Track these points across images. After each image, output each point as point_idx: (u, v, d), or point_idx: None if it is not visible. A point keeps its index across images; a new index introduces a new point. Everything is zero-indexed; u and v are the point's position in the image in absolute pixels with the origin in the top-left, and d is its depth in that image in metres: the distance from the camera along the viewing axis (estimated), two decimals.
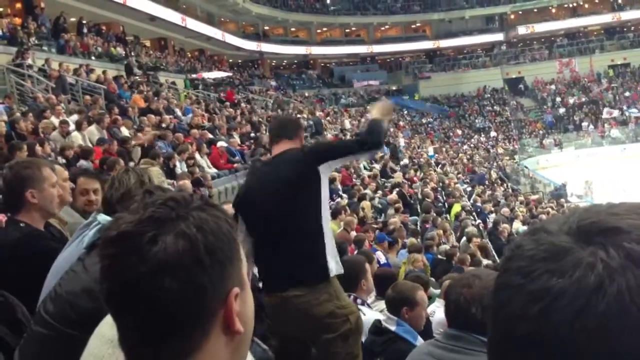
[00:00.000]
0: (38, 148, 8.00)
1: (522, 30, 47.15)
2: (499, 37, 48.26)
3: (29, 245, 2.72)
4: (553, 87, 44.45)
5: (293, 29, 47.14)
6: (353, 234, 8.66)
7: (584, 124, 39.53)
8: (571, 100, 42.20)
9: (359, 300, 3.59)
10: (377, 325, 3.29)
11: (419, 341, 3.25)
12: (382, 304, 3.78)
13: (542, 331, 0.48)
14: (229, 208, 3.76)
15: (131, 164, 9.27)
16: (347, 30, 49.21)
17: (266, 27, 44.63)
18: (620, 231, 0.49)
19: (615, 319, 0.46)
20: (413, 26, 50.08)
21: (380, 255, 7.61)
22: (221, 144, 13.54)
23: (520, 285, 0.51)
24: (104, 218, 2.23)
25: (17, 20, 19.18)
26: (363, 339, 3.22)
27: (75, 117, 11.04)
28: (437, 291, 5.71)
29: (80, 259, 2.13)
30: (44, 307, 2.02)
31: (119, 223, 0.88)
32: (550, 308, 0.48)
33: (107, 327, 1.35)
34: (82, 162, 8.25)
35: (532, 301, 0.49)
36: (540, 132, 40.71)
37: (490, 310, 0.55)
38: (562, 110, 41.96)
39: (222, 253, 0.86)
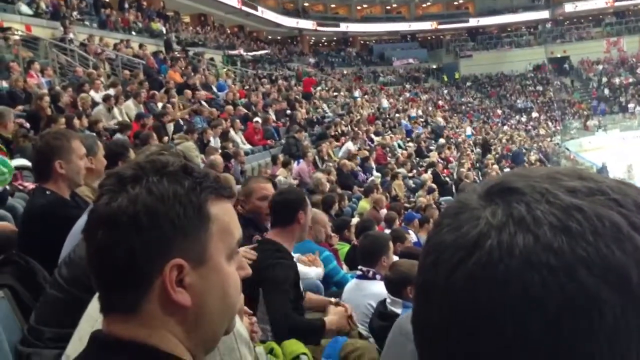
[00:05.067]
0: (76, 121, 8.17)
1: (569, 7, 45.64)
2: (544, 14, 46.81)
3: (53, 211, 2.82)
4: (600, 67, 43.01)
5: (333, 6, 46.72)
6: (383, 212, 8.63)
7: (630, 105, 38.23)
8: (617, 81, 40.77)
9: (378, 276, 3.58)
10: (381, 311, 3.16)
11: None
12: None
13: (429, 281, 0.50)
14: (264, 187, 3.74)
15: (165, 138, 9.43)
16: (387, 7, 48.51)
17: (306, 4, 44.34)
18: (516, 192, 0.49)
19: (483, 275, 0.46)
20: (455, 3, 49.07)
21: (411, 235, 7.58)
22: (257, 120, 13.59)
23: (429, 238, 0.53)
24: None
25: None
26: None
27: (111, 91, 11.20)
28: None
29: None
30: (59, 271, 2.08)
31: None
32: (438, 260, 0.49)
33: None
34: (118, 135, 8.40)
35: (430, 252, 0.51)
36: (585, 113, 39.54)
37: None
38: (607, 92, 40.60)
39: (168, 220, 0.85)
